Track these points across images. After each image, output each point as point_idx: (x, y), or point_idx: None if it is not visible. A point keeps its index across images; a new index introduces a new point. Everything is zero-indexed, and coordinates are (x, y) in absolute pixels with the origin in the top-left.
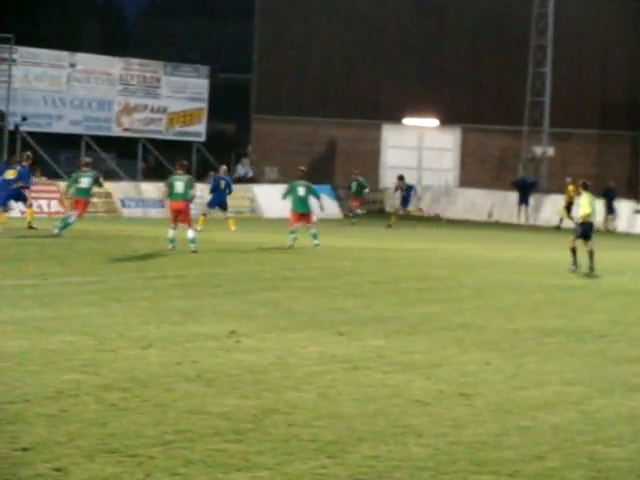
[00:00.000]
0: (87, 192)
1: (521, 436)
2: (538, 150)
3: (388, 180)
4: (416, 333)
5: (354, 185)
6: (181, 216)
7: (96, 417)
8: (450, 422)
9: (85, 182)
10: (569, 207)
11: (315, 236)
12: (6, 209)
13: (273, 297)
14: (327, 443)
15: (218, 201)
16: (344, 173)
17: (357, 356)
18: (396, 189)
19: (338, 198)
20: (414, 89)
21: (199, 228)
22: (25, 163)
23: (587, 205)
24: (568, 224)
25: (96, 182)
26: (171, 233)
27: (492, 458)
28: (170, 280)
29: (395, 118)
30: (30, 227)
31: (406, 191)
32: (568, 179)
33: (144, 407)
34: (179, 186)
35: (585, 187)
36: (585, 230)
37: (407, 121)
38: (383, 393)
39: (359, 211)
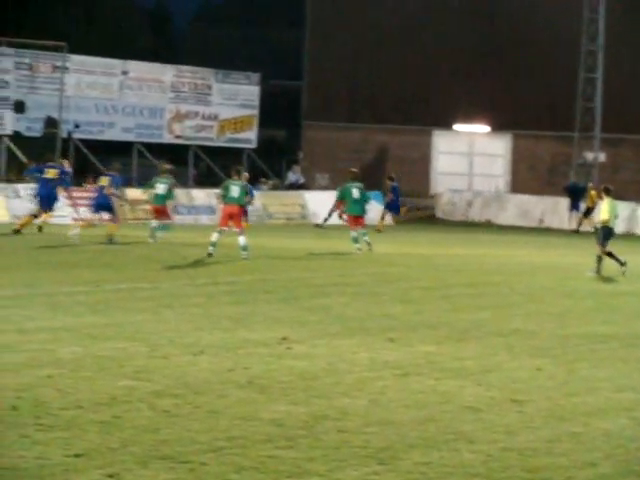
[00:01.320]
0: (163, 198)
1: (573, 442)
2: (589, 156)
3: (439, 186)
4: (467, 339)
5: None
6: (233, 220)
7: (149, 423)
8: (502, 428)
9: (161, 188)
10: (589, 212)
11: (365, 234)
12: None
13: (324, 303)
14: (378, 450)
15: None
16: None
17: (408, 362)
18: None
19: None
20: (465, 95)
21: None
22: (66, 164)
23: (606, 211)
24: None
25: (169, 191)
26: (215, 236)
27: (544, 465)
28: (221, 287)
29: (446, 124)
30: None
31: (392, 193)
32: (590, 184)
33: (196, 413)
34: (235, 190)
35: (607, 192)
36: (605, 235)
37: (458, 127)
38: (434, 399)
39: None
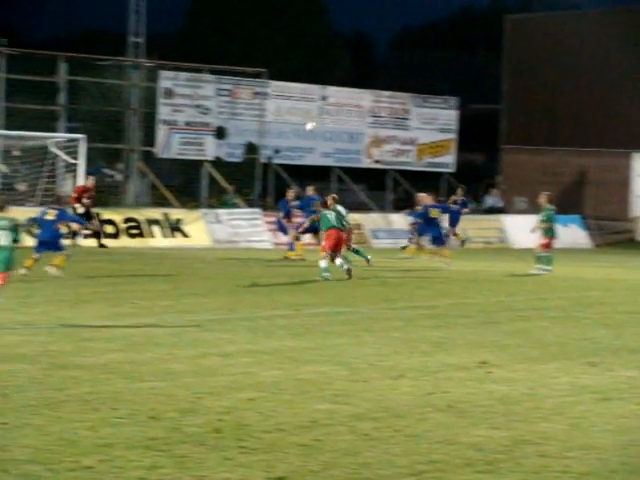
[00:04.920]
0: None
1: None
2: None
3: (638, 209)
4: None
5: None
6: (338, 246)
7: (349, 447)
8: None
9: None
10: None
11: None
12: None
13: (523, 327)
14: (579, 474)
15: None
16: (594, 203)
17: (609, 387)
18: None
19: (588, 228)
20: None
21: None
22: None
23: None
24: None
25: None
26: (339, 261)
27: None
28: (420, 310)
29: None
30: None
31: (460, 206)
32: None
33: (396, 437)
34: (332, 219)
35: None
36: None
37: None
38: (636, 424)
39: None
